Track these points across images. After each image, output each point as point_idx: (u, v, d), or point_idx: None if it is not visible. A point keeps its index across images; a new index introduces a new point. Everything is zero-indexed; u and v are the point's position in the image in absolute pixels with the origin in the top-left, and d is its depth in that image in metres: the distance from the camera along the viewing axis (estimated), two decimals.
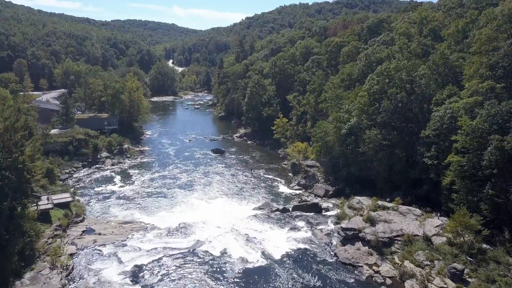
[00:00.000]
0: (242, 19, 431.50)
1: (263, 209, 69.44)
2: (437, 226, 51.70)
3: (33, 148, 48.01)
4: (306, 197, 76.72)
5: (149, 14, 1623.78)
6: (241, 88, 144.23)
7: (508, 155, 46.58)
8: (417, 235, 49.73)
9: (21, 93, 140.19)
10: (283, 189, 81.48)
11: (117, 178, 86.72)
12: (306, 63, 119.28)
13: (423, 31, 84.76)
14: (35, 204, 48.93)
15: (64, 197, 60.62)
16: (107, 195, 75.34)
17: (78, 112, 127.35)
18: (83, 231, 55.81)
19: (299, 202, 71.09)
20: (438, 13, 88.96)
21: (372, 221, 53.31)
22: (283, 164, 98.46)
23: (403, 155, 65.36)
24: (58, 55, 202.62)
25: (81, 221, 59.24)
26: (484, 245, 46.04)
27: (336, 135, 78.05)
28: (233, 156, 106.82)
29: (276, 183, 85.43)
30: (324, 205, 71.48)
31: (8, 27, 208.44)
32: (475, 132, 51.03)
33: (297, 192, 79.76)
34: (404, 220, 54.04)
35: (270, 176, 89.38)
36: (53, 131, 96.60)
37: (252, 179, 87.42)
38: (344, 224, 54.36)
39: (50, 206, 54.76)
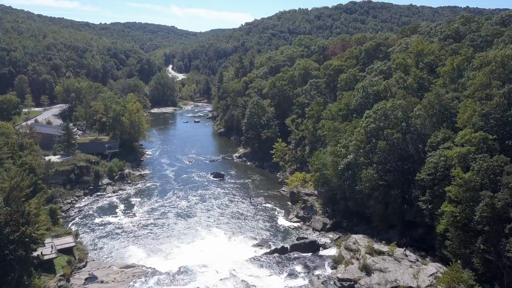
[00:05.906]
0: (242, 25, 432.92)
1: (261, 245, 70.97)
2: (431, 275, 53.09)
3: (38, 205, 49.33)
4: (304, 231, 78.28)
5: (148, 14, 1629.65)
6: (241, 106, 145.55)
7: (499, 213, 47.96)
8: (411, 287, 51.09)
9: (23, 111, 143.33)
10: (282, 221, 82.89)
11: (118, 208, 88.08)
12: (305, 86, 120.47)
13: (420, 64, 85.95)
14: (39, 257, 50.03)
15: (67, 241, 61.85)
16: (108, 229, 76.69)
17: (80, 132, 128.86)
18: (86, 279, 57.06)
19: (297, 240, 72.48)
20: (434, 44, 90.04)
21: (367, 270, 54.72)
22: (282, 190, 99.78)
23: (398, 194, 66.67)
24: (59, 69, 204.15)
25: (84, 266, 60.60)
26: None
27: (333, 169, 79.47)
28: (232, 181, 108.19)
29: (275, 213, 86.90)
30: (322, 240, 73.05)
31: (9, 41, 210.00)
32: (468, 185, 52.42)
33: (295, 224, 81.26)
34: (399, 267, 55.41)
35: (269, 205, 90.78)
36: (55, 159, 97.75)
37: (251, 208, 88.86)
38: (340, 273, 55.77)
39: (54, 255, 56.06)
